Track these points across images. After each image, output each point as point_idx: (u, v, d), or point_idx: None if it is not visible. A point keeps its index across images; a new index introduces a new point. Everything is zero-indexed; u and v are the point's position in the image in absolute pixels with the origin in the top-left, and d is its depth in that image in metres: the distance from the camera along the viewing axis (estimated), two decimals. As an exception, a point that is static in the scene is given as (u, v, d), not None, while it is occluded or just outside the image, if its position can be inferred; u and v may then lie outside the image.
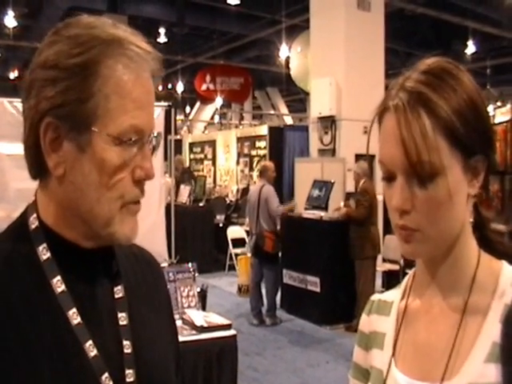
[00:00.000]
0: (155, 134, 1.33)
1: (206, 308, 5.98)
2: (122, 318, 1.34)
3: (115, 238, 1.29)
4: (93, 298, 1.32)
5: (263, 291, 10.67)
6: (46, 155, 1.24)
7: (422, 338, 1.39)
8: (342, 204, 10.56)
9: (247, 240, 11.09)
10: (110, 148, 1.23)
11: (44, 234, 1.29)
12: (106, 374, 1.25)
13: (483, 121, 1.31)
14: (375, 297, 1.60)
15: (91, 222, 1.27)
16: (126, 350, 1.31)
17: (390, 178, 1.31)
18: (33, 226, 1.30)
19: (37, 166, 1.28)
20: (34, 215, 1.31)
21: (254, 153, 18.80)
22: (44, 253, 1.27)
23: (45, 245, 1.28)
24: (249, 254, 11.47)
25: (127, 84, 1.24)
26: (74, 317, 1.25)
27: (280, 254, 10.82)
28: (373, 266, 9.82)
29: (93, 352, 1.25)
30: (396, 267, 10.55)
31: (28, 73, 1.27)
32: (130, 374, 1.30)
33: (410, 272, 1.51)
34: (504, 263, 1.37)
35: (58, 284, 1.26)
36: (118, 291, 1.37)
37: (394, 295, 1.53)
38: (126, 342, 1.32)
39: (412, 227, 1.28)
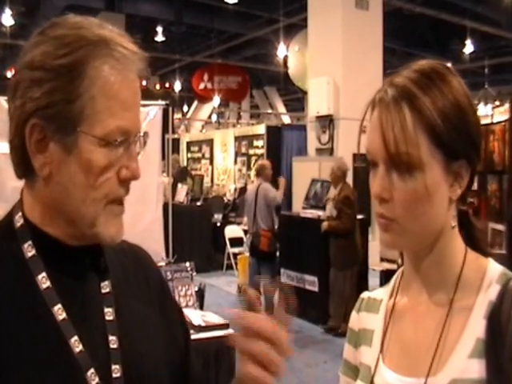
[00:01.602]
0: (142, 134, 1.33)
1: (203, 307, 5.98)
2: (109, 314, 1.34)
3: (100, 238, 1.30)
4: (79, 293, 1.32)
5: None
6: (32, 156, 1.25)
7: (408, 335, 1.41)
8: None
9: (245, 239, 11.05)
10: (96, 149, 1.23)
11: (29, 231, 1.29)
12: (92, 370, 1.25)
13: (469, 126, 1.32)
14: (365, 294, 1.63)
15: (77, 221, 1.27)
16: (112, 346, 1.31)
17: (374, 166, 1.34)
18: (18, 224, 1.31)
19: (23, 166, 1.29)
20: (20, 213, 1.32)
21: (251, 152, 18.77)
22: (29, 250, 1.28)
23: (30, 242, 1.28)
24: (246, 254, 11.44)
25: (114, 85, 1.24)
26: (59, 312, 1.25)
27: (278, 253, 10.82)
28: (351, 276, 9.63)
29: (78, 348, 1.25)
30: (394, 266, 10.53)
31: (14, 73, 1.28)
32: (116, 370, 1.30)
33: (399, 271, 1.54)
34: (490, 260, 1.39)
35: (43, 280, 1.26)
36: (105, 286, 1.37)
37: (383, 293, 1.56)
38: (112, 338, 1.32)
39: (389, 216, 1.32)
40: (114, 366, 1.29)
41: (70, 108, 1.21)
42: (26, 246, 1.28)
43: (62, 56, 1.21)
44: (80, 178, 1.23)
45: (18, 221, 1.31)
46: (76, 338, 1.25)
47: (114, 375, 1.29)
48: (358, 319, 1.59)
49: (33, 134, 1.23)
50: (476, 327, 1.30)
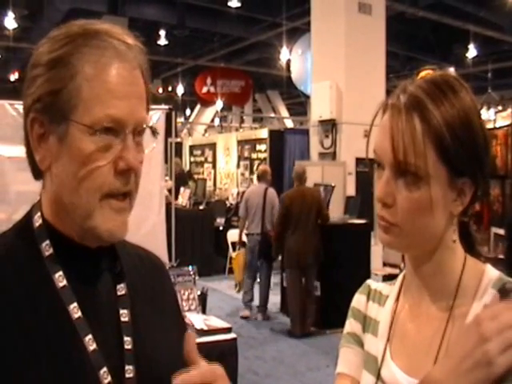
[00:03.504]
0: (144, 126, 1.33)
1: (206, 311, 5.98)
2: (124, 315, 1.36)
3: (97, 233, 1.29)
4: (95, 294, 1.34)
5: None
6: (34, 150, 1.29)
7: (410, 340, 1.43)
8: None
9: (247, 241, 11.31)
10: (86, 138, 1.24)
11: (47, 231, 1.31)
12: (105, 369, 1.26)
13: (476, 142, 1.32)
14: (371, 284, 1.64)
15: (73, 213, 1.28)
16: (126, 346, 1.33)
17: (379, 166, 1.36)
18: (37, 224, 1.33)
19: (33, 164, 1.32)
20: (38, 214, 1.34)
21: (254, 156, 18.76)
22: (47, 249, 1.30)
23: (48, 241, 1.30)
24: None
25: (101, 74, 1.25)
26: (75, 311, 1.27)
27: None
28: (291, 277, 10.01)
29: (92, 346, 1.26)
30: (396, 271, 10.53)
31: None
32: (129, 370, 1.31)
33: (403, 272, 1.54)
34: (488, 266, 1.41)
35: (60, 279, 1.28)
36: (121, 289, 1.39)
37: (388, 290, 1.57)
38: (126, 338, 1.33)
39: (390, 221, 1.34)
40: (127, 367, 1.31)
41: (58, 98, 1.24)
42: (43, 245, 1.30)
43: (54, 51, 1.25)
44: (72, 167, 1.25)
45: (37, 221, 1.33)
46: (90, 336, 1.26)
47: (127, 375, 1.30)
48: (365, 304, 1.60)
49: (33, 129, 1.27)
50: None
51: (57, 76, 1.24)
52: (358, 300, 1.63)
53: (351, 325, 1.61)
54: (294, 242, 9.76)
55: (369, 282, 1.65)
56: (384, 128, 1.33)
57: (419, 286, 1.43)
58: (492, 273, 1.38)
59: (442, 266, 1.38)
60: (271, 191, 11.06)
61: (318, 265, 9.88)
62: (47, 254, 1.29)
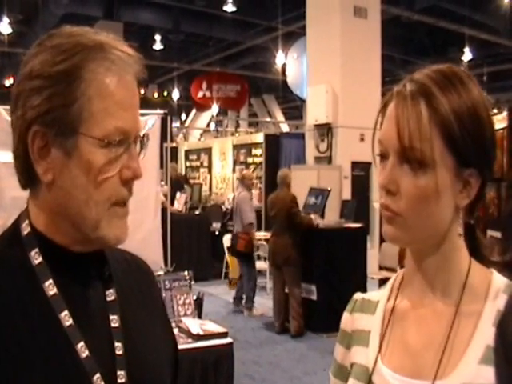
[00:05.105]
0: (141, 135, 1.35)
1: (202, 316, 5.97)
2: (114, 321, 1.36)
3: (105, 241, 1.31)
4: (85, 300, 1.34)
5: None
6: (35, 163, 1.27)
7: (411, 337, 1.39)
8: None
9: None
10: (96, 150, 1.25)
11: (36, 239, 1.31)
12: (98, 375, 1.26)
13: (483, 134, 1.31)
14: (358, 296, 1.61)
15: (81, 225, 1.28)
16: (117, 352, 1.33)
17: (383, 158, 1.34)
18: (25, 232, 1.32)
19: (26, 174, 1.31)
20: (26, 222, 1.33)
21: (250, 160, 18.75)
22: (36, 257, 1.29)
23: (37, 249, 1.30)
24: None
25: (110, 86, 1.26)
26: (66, 319, 1.27)
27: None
28: (272, 274, 10.86)
29: (85, 353, 1.26)
30: (392, 275, 10.49)
31: (15, 85, 1.30)
32: (121, 375, 1.31)
33: (397, 273, 1.53)
34: (494, 271, 1.39)
35: (50, 287, 1.27)
36: (110, 294, 1.39)
37: (379, 295, 1.54)
38: (117, 344, 1.33)
39: (394, 209, 1.31)
40: (119, 372, 1.31)
41: (69, 111, 1.23)
42: (32, 253, 1.29)
43: (59, 62, 1.23)
44: (81, 179, 1.25)
45: (25, 229, 1.32)
46: (82, 343, 1.26)
47: (120, 380, 1.30)
48: (351, 320, 1.56)
49: (35, 141, 1.25)
50: (485, 334, 1.28)
51: (67, 90, 1.23)
52: (344, 319, 1.60)
53: (337, 351, 1.60)
54: (269, 242, 10.57)
55: (356, 295, 1.62)
56: (389, 116, 1.32)
57: (422, 282, 1.40)
58: (500, 278, 1.36)
59: (448, 260, 1.36)
60: (241, 195, 11.76)
61: (291, 266, 10.02)
62: (37, 262, 1.29)
